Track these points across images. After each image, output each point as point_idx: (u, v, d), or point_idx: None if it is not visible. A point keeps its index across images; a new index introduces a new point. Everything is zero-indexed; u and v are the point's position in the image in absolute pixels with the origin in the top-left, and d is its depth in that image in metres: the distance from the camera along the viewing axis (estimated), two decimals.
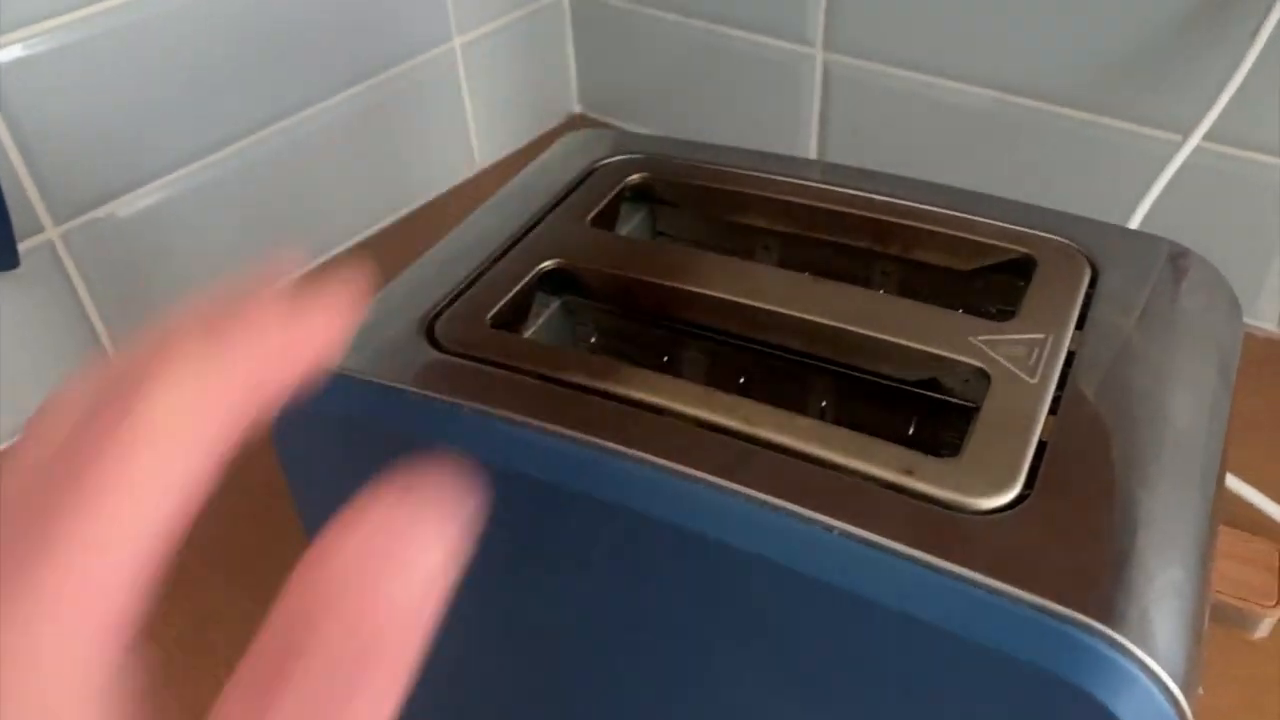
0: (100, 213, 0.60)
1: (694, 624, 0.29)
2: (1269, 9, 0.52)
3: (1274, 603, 0.30)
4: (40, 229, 0.58)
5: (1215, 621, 0.31)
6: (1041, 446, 0.28)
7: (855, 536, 0.25)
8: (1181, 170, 0.54)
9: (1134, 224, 0.55)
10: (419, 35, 0.73)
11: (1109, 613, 0.24)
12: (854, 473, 0.27)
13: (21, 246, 0.57)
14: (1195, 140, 0.55)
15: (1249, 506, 0.50)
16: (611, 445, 0.28)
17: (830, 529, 0.26)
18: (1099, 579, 0.25)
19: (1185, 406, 0.30)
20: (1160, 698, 0.24)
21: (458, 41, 0.77)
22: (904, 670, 0.26)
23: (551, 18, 0.83)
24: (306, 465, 0.34)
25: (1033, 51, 0.63)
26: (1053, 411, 0.29)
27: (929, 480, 0.26)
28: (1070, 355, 0.31)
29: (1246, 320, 0.63)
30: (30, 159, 0.56)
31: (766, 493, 0.26)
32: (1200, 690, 0.26)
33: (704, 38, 0.77)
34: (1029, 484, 0.27)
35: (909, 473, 0.27)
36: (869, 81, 0.70)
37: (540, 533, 0.30)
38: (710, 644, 0.29)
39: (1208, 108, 0.53)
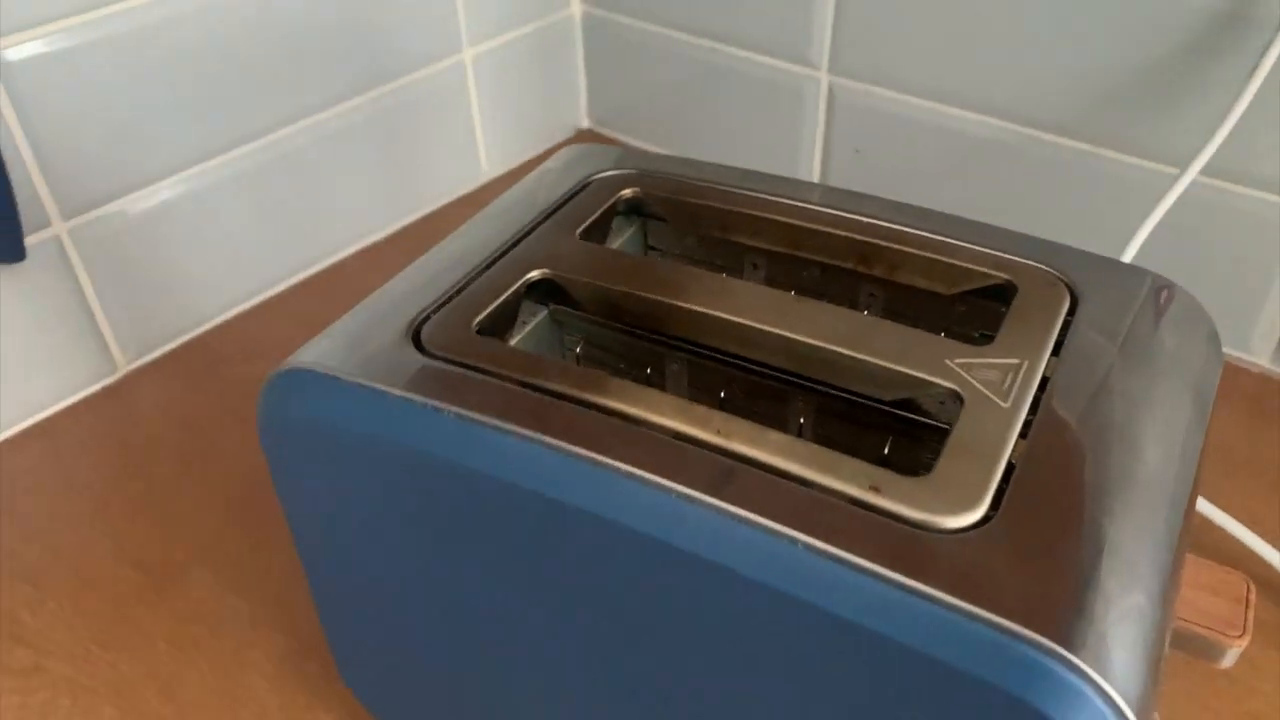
0: (107, 210, 0.61)
1: (654, 630, 0.29)
2: (1267, 47, 0.53)
3: (1239, 634, 0.30)
4: (47, 224, 0.59)
5: (1182, 650, 0.31)
6: (1010, 469, 0.28)
7: (819, 551, 0.26)
8: (1178, 203, 0.54)
9: (1128, 255, 0.55)
10: (430, 46, 0.74)
11: (1066, 635, 0.24)
12: (822, 488, 0.27)
13: (29, 240, 0.58)
14: (1192, 174, 0.55)
15: (1230, 539, 0.50)
16: (585, 453, 0.28)
17: (795, 543, 0.26)
18: (1058, 602, 0.25)
19: (1157, 437, 0.31)
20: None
21: (468, 54, 0.77)
22: (863, 684, 0.26)
23: (563, 33, 0.84)
24: (292, 464, 0.35)
25: (1034, 81, 0.63)
26: (1023, 435, 0.29)
27: (895, 498, 0.27)
28: (1045, 381, 0.31)
29: (1240, 355, 0.63)
30: (41, 155, 0.57)
31: (735, 505, 0.27)
32: (1156, 716, 0.26)
33: (711, 58, 0.78)
34: (995, 505, 0.27)
35: (876, 490, 0.27)
36: (872, 105, 0.71)
37: (510, 534, 0.30)
38: (669, 650, 0.29)
39: (1205, 142, 0.54)
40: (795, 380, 0.33)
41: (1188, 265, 0.63)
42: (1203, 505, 0.51)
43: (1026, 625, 0.24)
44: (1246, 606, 0.31)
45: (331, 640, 0.42)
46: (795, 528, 0.26)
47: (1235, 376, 0.63)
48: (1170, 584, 0.28)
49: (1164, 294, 0.36)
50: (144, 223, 0.63)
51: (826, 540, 0.26)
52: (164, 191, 0.63)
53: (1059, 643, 0.24)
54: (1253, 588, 0.32)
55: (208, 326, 0.69)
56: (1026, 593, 0.25)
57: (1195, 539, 0.52)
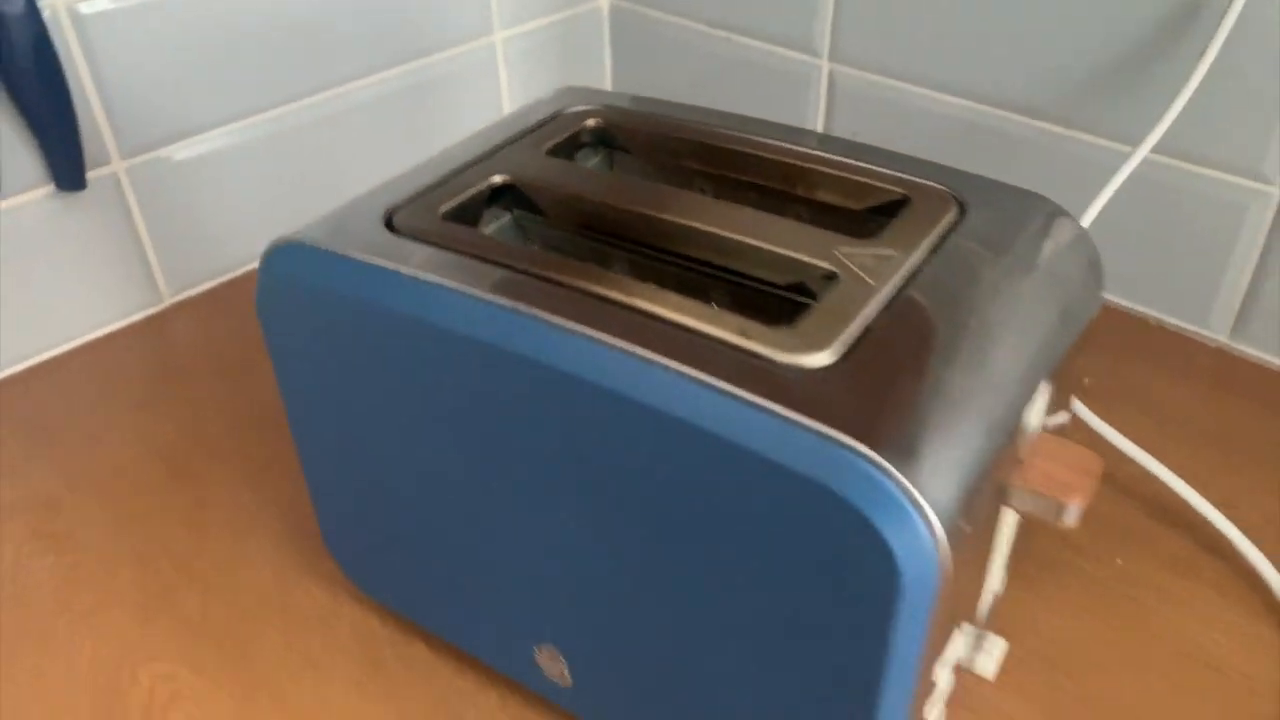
0: (162, 153, 0.68)
1: (564, 446, 0.34)
2: (1215, 31, 0.57)
3: (1078, 497, 0.34)
4: (107, 161, 0.66)
5: (1031, 513, 0.36)
6: (867, 332, 0.33)
7: (695, 379, 0.31)
8: (1138, 182, 0.58)
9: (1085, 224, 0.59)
10: (463, 25, 0.81)
11: (878, 443, 0.29)
12: (705, 335, 0.32)
13: (90, 175, 0.65)
14: (1143, 152, 0.59)
15: (1180, 501, 0.54)
16: (523, 308, 0.34)
17: (678, 373, 0.31)
18: (880, 424, 0.30)
19: (1011, 328, 0.35)
20: (919, 522, 0.29)
21: (499, 36, 0.84)
22: (723, 488, 0.31)
23: (592, 23, 0.91)
24: (281, 327, 0.41)
25: (1009, 67, 0.68)
26: (886, 309, 0.34)
27: (759, 341, 0.32)
28: (916, 270, 0.36)
29: (1199, 330, 0.67)
30: (105, 98, 0.64)
31: (636, 346, 0.32)
32: (967, 527, 0.30)
33: (725, 48, 0.83)
34: (846, 356, 0.32)
35: (744, 334, 0.32)
36: (868, 91, 0.76)
37: (458, 379, 0.36)
38: (593, 471, 0.34)
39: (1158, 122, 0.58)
40: (709, 269, 0.38)
41: (1148, 243, 0.67)
42: (1158, 469, 0.54)
43: (854, 437, 0.29)
44: (1091, 478, 0.35)
45: (319, 514, 0.48)
46: (680, 361, 0.31)
47: (1195, 352, 0.67)
48: (1001, 441, 0.33)
49: (1054, 220, 0.40)
50: (193, 168, 0.70)
51: (702, 370, 0.31)
52: (212, 141, 0.70)
53: (873, 448, 0.29)
54: (1102, 465, 0.36)
55: (245, 270, 0.76)
56: (857, 416, 0.30)
57: (1136, 493, 0.56)
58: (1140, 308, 0.69)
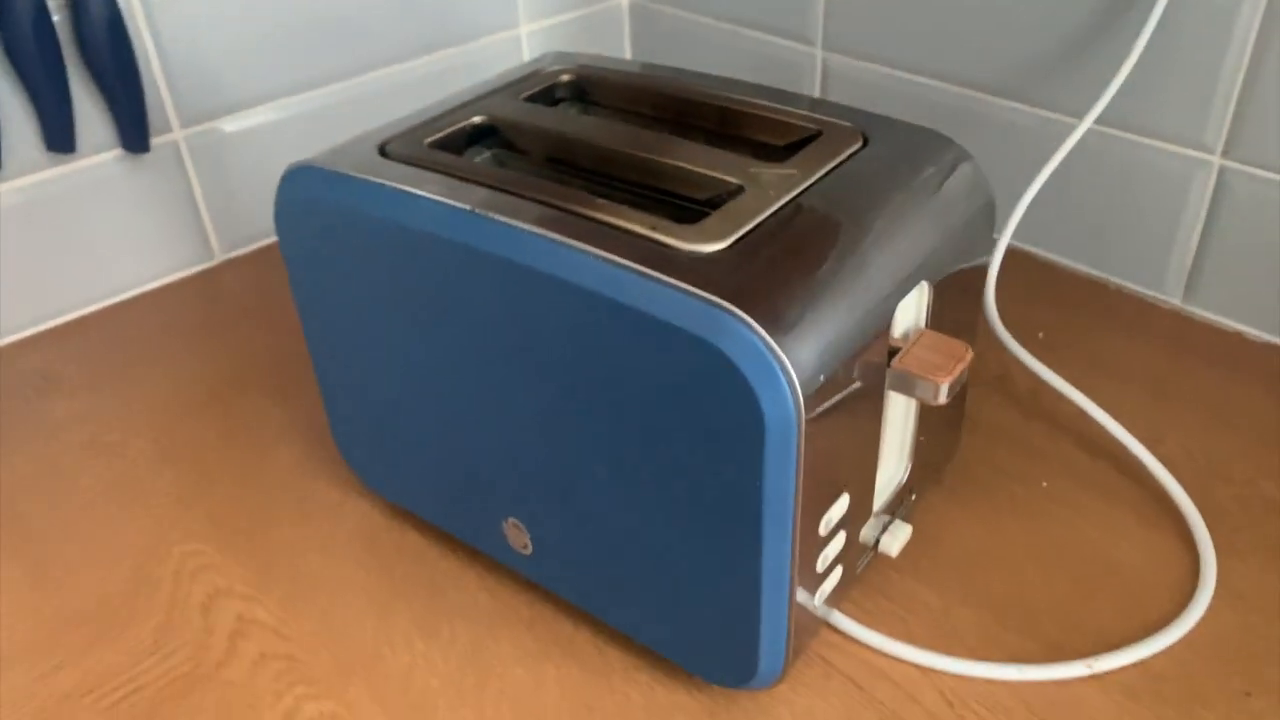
0: (217, 124, 0.77)
1: (513, 326, 0.41)
2: (1151, 9, 0.62)
3: (944, 375, 0.40)
4: (169, 129, 0.75)
5: (908, 391, 0.42)
6: (758, 229, 0.39)
7: (606, 259, 0.38)
8: (1089, 153, 0.63)
9: (1031, 193, 0.65)
10: (491, 18, 0.89)
11: (761, 314, 0.36)
12: (621, 229, 0.39)
13: (153, 141, 0.74)
14: (1087, 123, 0.65)
15: (1103, 431, 0.59)
16: (473, 208, 0.41)
17: (594, 256, 0.38)
18: (759, 296, 0.36)
19: (892, 234, 0.41)
20: (779, 374, 0.35)
21: (524, 29, 0.92)
22: (626, 350, 0.38)
23: (612, 19, 0.98)
24: (294, 237, 0.48)
25: (974, 50, 0.74)
26: (779, 213, 0.40)
27: (664, 233, 0.39)
28: (811, 186, 0.42)
29: (1154, 294, 0.72)
30: (169, 72, 0.73)
31: (564, 235, 0.39)
32: (822, 377, 0.37)
33: (732, 39, 0.91)
34: (735, 246, 0.38)
35: (653, 229, 0.39)
36: (858, 76, 0.82)
37: (441, 275, 0.43)
38: (520, 340, 0.41)
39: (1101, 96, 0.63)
40: (650, 190, 0.45)
41: (1104, 211, 0.72)
42: (1088, 406, 0.59)
43: (728, 301, 0.36)
44: (958, 361, 0.41)
45: (329, 414, 0.56)
46: (600, 248, 0.38)
47: (1150, 313, 0.72)
48: (869, 324, 0.39)
49: (950, 155, 0.47)
50: (243, 139, 0.79)
51: (616, 254, 0.38)
52: (262, 114, 0.79)
53: (747, 313, 0.35)
54: (970, 351, 0.42)
55: None
56: (734, 289, 0.36)
57: (1071, 429, 0.62)
58: (1099, 273, 0.75)
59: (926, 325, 0.44)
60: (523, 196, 0.42)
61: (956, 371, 0.41)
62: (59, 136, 0.69)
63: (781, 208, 0.41)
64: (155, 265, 0.78)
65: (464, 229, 0.41)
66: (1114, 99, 0.65)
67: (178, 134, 0.76)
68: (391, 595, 0.53)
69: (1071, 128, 0.67)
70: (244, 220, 0.81)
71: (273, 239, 0.84)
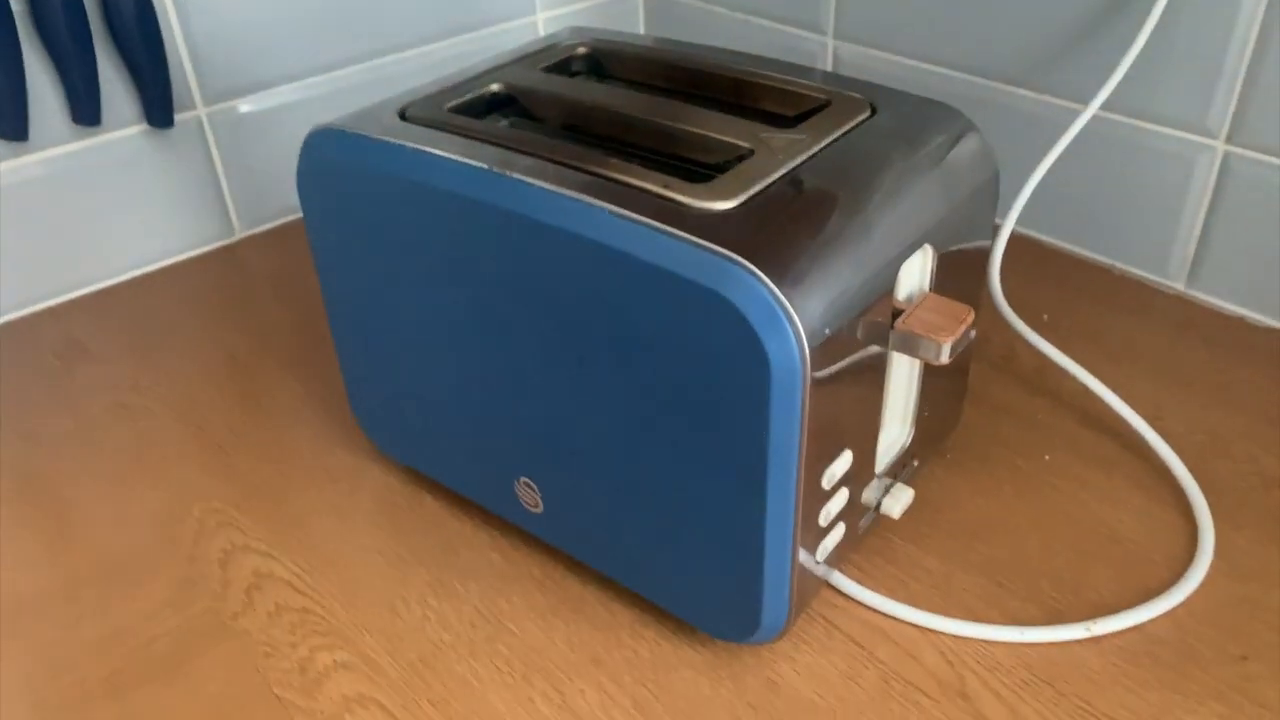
0: (240, 102, 0.79)
1: (529, 281, 0.42)
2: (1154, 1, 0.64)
3: (946, 336, 0.42)
4: (193, 106, 0.77)
5: (911, 352, 0.43)
6: (768, 189, 0.41)
7: (620, 214, 0.39)
8: (1094, 139, 0.64)
9: (1035, 179, 0.66)
10: (508, 4, 0.91)
11: (768, 267, 0.37)
12: (632, 186, 0.41)
13: (176, 118, 0.76)
14: (1092, 110, 0.66)
15: (1105, 407, 0.60)
16: (491, 168, 0.42)
17: (601, 208, 0.39)
18: (767, 250, 0.38)
19: (897, 198, 0.43)
20: (786, 324, 0.36)
21: (541, 16, 0.94)
22: (638, 302, 0.39)
23: (628, 7, 1.00)
24: (315, 198, 0.50)
25: (983, 39, 0.75)
26: (788, 175, 0.42)
27: (676, 190, 0.40)
28: (820, 151, 0.43)
29: (1159, 279, 0.73)
30: (194, 50, 0.75)
31: (579, 193, 0.40)
32: (827, 330, 0.38)
33: (745, 29, 0.92)
34: (745, 205, 0.40)
35: (665, 187, 0.40)
36: (867, 64, 0.84)
37: (460, 233, 0.44)
38: (536, 295, 0.43)
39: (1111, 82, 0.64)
40: (664, 155, 0.46)
41: (1109, 198, 0.73)
42: (1090, 381, 0.60)
43: (736, 254, 0.37)
44: (961, 322, 0.42)
45: (346, 380, 0.57)
46: (615, 204, 0.39)
47: (1153, 298, 0.73)
48: (874, 283, 0.40)
49: (956, 126, 0.48)
50: (266, 117, 0.80)
51: (630, 210, 0.39)
52: (284, 94, 0.81)
53: (754, 264, 0.37)
54: (972, 314, 0.43)
55: None
56: (742, 243, 0.38)
57: (1075, 406, 0.63)
58: (1104, 258, 0.76)
59: (930, 291, 0.45)
60: (539, 156, 0.43)
61: (959, 332, 0.42)
62: (85, 110, 0.70)
63: (790, 170, 0.42)
64: (178, 240, 0.80)
65: (481, 187, 0.42)
66: (1118, 85, 0.66)
67: (201, 111, 0.77)
68: (406, 556, 0.54)
69: (1076, 114, 0.69)
70: (265, 197, 0.83)
71: (293, 216, 0.85)
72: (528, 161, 0.43)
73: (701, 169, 0.45)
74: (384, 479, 0.59)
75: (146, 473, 0.60)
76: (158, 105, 0.73)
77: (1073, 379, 0.61)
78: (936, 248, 0.44)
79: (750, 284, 0.37)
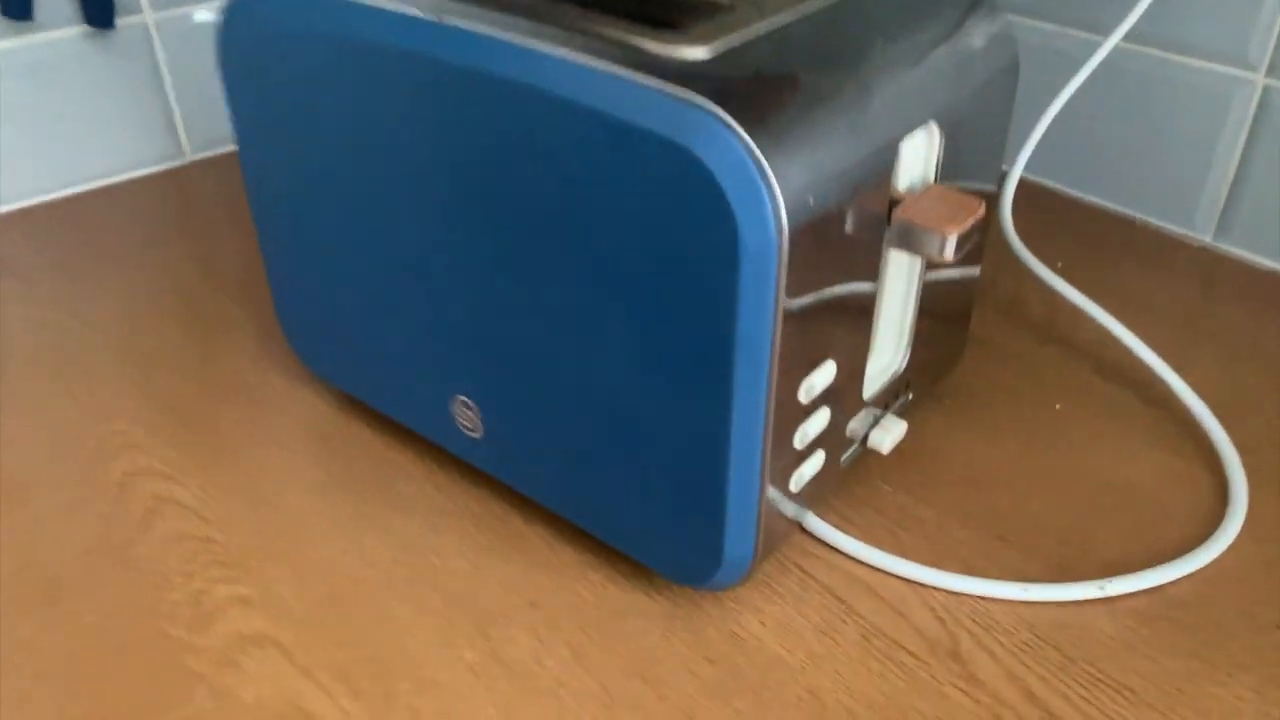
0: (191, 10, 0.72)
1: (475, 145, 0.36)
2: None
3: (953, 228, 0.35)
4: (139, 10, 0.70)
5: (913, 248, 0.36)
6: (750, 42, 0.34)
7: (567, 58, 0.33)
8: (1113, 73, 0.57)
9: (1049, 116, 0.59)
10: None
11: (744, 120, 0.31)
12: (590, 32, 0.34)
13: (120, 22, 0.69)
14: (1115, 39, 0.59)
15: (1122, 350, 0.54)
16: (439, 18, 0.36)
17: (548, 55, 0.33)
18: (742, 103, 0.31)
19: (900, 65, 0.36)
20: (762, 188, 0.30)
21: None
22: (595, 161, 0.33)
23: None
24: (237, 70, 0.43)
25: None
26: (774, 30, 0.35)
27: (641, 36, 0.34)
28: (817, 11, 0.37)
29: (1185, 231, 0.66)
30: None
31: (535, 41, 0.34)
32: (811, 200, 0.32)
33: None
34: (722, 55, 0.33)
35: (629, 33, 0.34)
36: None
37: (382, 86, 0.38)
38: (483, 160, 0.36)
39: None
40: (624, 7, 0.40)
41: (1130, 142, 0.67)
42: (1108, 322, 0.54)
43: (706, 98, 0.31)
44: (969, 214, 0.36)
45: (275, 295, 0.51)
46: (573, 52, 0.33)
47: (1178, 250, 0.66)
48: (870, 158, 0.34)
49: (988, 9, 0.41)
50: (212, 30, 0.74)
51: (589, 57, 0.33)
52: None
53: (729, 114, 0.30)
54: (983, 206, 0.37)
55: None
56: (714, 92, 0.31)
57: (1089, 354, 0.57)
58: (1126, 209, 0.69)
59: (933, 176, 0.39)
60: (486, 4, 0.37)
61: (966, 224, 0.36)
62: (14, 2, 0.64)
63: (779, 26, 0.36)
64: (121, 157, 0.74)
65: (415, 36, 0.36)
66: (1145, 11, 0.60)
67: (148, 16, 0.71)
68: (331, 486, 0.48)
69: (1096, 45, 0.62)
70: (219, 120, 0.77)
71: None
72: (474, 9, 0.37)
73: (672, 30, 0.39)
74: (316, 405, 0.53)
75: (57, 391, 0.54)
76: (96, 2, 0.67)
77: (1088, 327, 0.55)
78: (944, 132, 0.38)
79: (722, 136, 0.30)
